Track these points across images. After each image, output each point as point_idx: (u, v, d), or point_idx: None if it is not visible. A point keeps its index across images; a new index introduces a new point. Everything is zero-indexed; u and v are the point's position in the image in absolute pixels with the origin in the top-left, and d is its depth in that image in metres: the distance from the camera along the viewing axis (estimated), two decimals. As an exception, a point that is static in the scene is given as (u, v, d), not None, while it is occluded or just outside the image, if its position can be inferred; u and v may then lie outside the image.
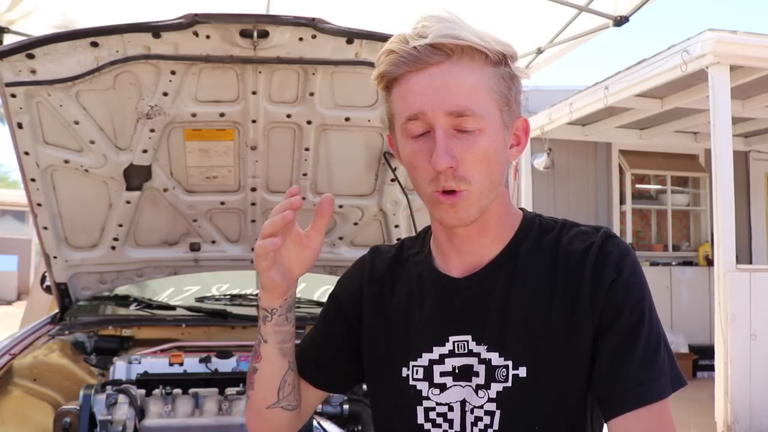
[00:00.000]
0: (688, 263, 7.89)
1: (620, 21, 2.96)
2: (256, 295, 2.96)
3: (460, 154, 0.96)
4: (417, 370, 1.07)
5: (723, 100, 4.88)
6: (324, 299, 1.32)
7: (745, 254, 7.79)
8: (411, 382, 1.07)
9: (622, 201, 8.03)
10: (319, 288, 2.89)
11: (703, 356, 6.81)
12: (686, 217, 8.41)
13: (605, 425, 1.01)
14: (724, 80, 4.93)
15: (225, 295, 2.92)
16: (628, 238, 7.97)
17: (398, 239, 1.25)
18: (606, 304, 0.98)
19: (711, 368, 5.40)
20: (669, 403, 0.97)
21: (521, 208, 1.13)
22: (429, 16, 0.96)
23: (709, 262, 7.29)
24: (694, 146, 8.08)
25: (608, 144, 7.98)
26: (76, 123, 2.13)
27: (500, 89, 0.99)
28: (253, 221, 2.59)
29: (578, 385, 1.00)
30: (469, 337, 1.04)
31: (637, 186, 8.27)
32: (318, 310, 1.58)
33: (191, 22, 1.86)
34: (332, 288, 1.27)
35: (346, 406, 2.21)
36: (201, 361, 2.28)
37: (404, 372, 1.08)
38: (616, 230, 7.89)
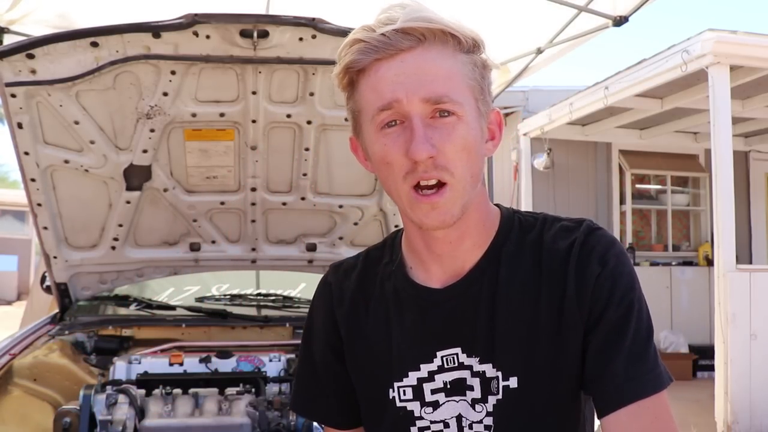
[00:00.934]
0: (688, 263, 7.88)
1: (620, 21, 2.96)
2: (257, 295, 2.97)
3: (439, 143, 0.89)
4: (404, 391, 1.00)
5: (723, 100, 4.88)
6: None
7: (745, 254, 7.79)
8: (399, 404, 1.01)
9: (622, 201, 8.02)
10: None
11: (703, 356, 6.80)
12: (686, 217, 8.41)
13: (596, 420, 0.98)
14: (724, 80, 4.92)
15: (225, 295, 2.92)
16: (628, 238, 7.97)
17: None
18: (593, 299, 0.93)
19: (711, 368, 5.40)
20: (666, 397, 0.92)
21: (497, 204, 1.06)
22: (393, 5, 0.91)
23: (709, 262, 7.29)
24: (694, 146, 8.08)
25: (608, 144, 7.97)
26: (76, 123, 2.13)
27: (474, 77, 0.93)
28: (253, 221, 2.59)
29: (571, 388, 0.96)
30: (458, 350, 0.98)
31: (637, 186, 8.26)
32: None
33: (191, 22, 1.86)
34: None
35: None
36: (201, 361, 2.28)
37: (390, 394, 1.02)
38: (616, 230, 7.90)
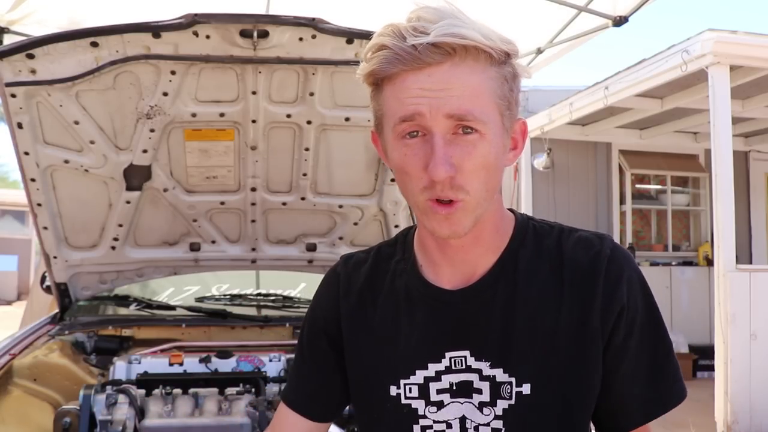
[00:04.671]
0: (688, 263, 7.88)
1: (620, 21, 2.97)
2: (257, 295, 2.97)
3: (458, 161, 0.88)
4: (410, 388, 1.00)
5: (723, 100, 4.88)
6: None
7: (745, 254, 7.79)
8: (404, 401, 1.00)
9: (622, 201, 8.02)
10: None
11: (703, 356, 6.80)
12: (686, 217, 8.41)
13: None
14: (724, 80, 4.92)
15: (225, 295, 2.93)
16: (628, 238, 7.97)
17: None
18: (620, 319, 0.96)
19: (711, 368, 5.39)
20: None
21: (510, 209, 1.06)
22: (426, 8, 0.88)
23: (709, 262, 7.29)
24: (694, 146, 8.08)
25: (608, 144, 7.97)
26: (76, 123, 2.13)
27: (503, 92, 0.91)
28: (253, 221, 2.59)
29: (585, 398, 0.97)
30: (467, 353, 0.98)
31: (637, 186, 8.27)
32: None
33: (191, 22, 1.86)
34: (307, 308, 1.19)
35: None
36: (201, 361, 2.28)
37: (393, 390, 1.01)
38: (616, 230, 7.89)
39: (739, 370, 4.68)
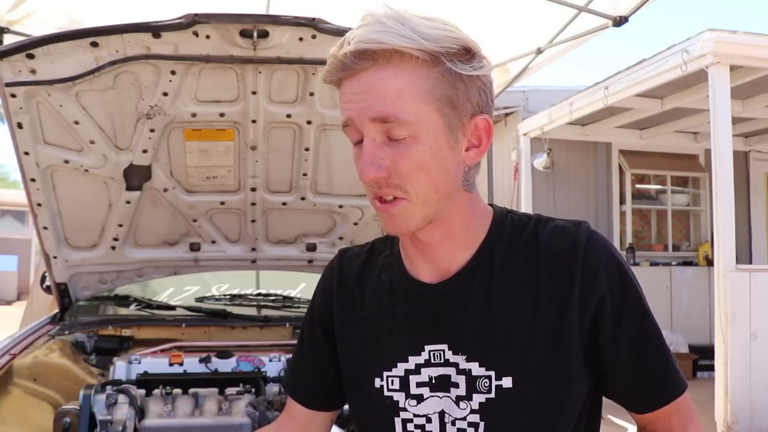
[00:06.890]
0: (688, 263, 7.89)
1: (620, 21, 2.96)
2: (257, 295, 2.97)
3: (393, 163, 0.90)
4: (392, 381, 1.02)
5: (723, 100, 4.88)
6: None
7: (745, 254, 7.79)
8: (386, 393, 1.02)
9: (622, 201, 8.03)
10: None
11: (703, 356, 6.80)
12: (686, 217, 8.41)
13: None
14: (724, 80, 4.92)
15: (225, 295, 2.93)
16: (628, 238, 7.97)
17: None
18: (603, 306, 0.95)
19: (711, 368, 5.39)
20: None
21: (491, 204, 1.06)
22: (366, 15, 0.91)
23: (709, 262, 7.29)
24: (694, 146, 8.08)
25: (608, 144, 7.97)
26: (76, 123, 2.13)
27: (440, 90, 0.90)
28: (253, 221, 2.59)
29: (569, 390, 0.96)
30: (445, 347, 0.99)
31: (637, 186, 8.27)
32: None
33: (191, 22, 1.86)
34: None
35: (346, 406, 2.21)
36: (201, 361, 2.28)
37: (377, 383, 1.03)
38: (616, 230, 7.90)
39: (739, 370, 4.68)
